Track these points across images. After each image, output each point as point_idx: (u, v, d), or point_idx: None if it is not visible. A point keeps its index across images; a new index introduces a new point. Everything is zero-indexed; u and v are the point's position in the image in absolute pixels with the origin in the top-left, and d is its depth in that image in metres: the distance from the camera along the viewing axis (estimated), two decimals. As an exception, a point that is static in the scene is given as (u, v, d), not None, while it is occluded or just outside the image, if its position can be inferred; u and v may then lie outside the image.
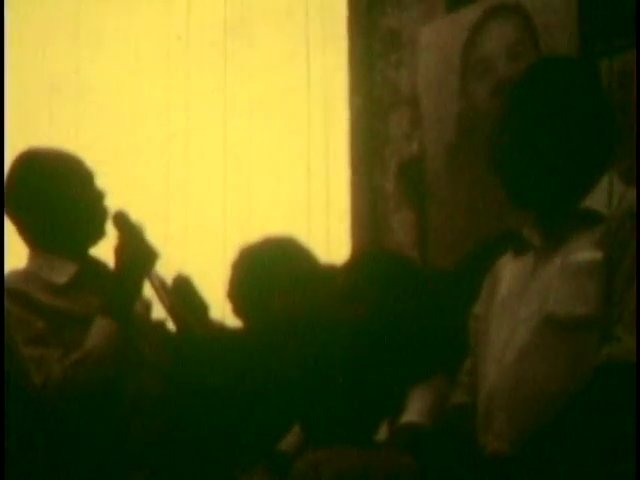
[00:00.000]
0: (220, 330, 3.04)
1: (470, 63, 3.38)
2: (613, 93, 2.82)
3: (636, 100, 2.85)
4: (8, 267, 2.85)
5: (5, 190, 2.81)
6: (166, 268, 2.85)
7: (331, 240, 3.78)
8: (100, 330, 2.64)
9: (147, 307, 2.84)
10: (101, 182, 2.87)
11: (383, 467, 2.39)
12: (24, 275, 2.77)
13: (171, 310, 2.76)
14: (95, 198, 2.81)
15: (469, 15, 3.40)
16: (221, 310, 3.11)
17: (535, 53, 3.12)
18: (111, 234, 2.78)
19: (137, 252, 2.70)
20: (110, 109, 4.53)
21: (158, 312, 2.83)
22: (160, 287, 2.75)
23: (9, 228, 2.86)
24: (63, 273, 2.77)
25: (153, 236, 2.79)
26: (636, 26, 2.83)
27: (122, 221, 2.74)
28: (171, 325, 2.85)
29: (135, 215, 2.78)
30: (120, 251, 2.71)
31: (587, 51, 2.96)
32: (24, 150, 2.86)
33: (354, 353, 2.70)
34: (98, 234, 2.81)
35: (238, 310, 3.07)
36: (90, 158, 2.92)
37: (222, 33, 4.26)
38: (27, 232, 2.81)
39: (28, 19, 4.54)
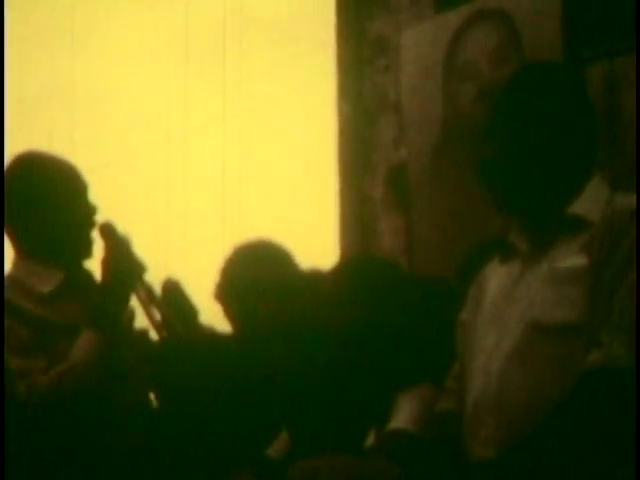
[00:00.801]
0: (208, 335, 3.04)
1: (453, 67, 3.38)
2: (601, 99, 2.82)
3: (636, 101, 2.85)
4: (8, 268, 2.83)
5: None
6: (162, 273, 2.85)
7: (319, 245, 3.78)
8: (86, 342, 2.62)
9: (130, 316, 2.82)
10: (99, 187, 2.85)
11: (379, 477, 2.39)
12: (8, 282, 2.75)
13: (156, 324, 2.74)
14: (86, 210, 2.79)
15: (452, 20, 3.40)
16: (214, 315, 3.10)
17: (519, 58, 3.12)
18: (98, 245, 2.77)
19: (124, 265, 2.68)
20: (107, 114, 4.53)
21: (141, 321, 2.81)
22: (146, 298, 2.73)
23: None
24: (48, 282, 2.74)
25: (149, 241, 2.78)
26: (636, 29, 2.83)
27: (109, 232, 2.72)
28: (154, 334, 2.83)
29: (134, 219, 2.77)
30: (107, 263, 2.69)
31: (573, 57, 2.97)
32: (22, 152, 2.83)
33: (340, 358, 2.70)
34: (86, 247, 2.79)
35: (227, 312, 3.08)
36: (87, 163, 2.91)
37: (219, 41, 4.27)
38: (15, 237, 2.79)
39: (24, 24, 4.54)
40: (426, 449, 2.41)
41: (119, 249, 2.70)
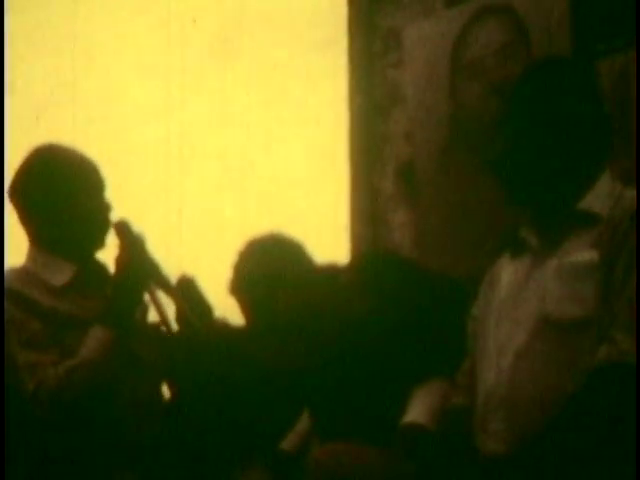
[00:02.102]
0: (224, 329, 3.05)
1: (460, 63, 3.37)
2: (609, 94, 2.82)
3: (636, 100, 2.85)
4: (8, 264, 2.83)
5: (16, 179, 2.78)
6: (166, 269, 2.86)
7: (330, 239, 3.79)
8: (96, 339, 2.62)
9: (143, 311, 2.83)
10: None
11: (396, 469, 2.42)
12: (22, 274, 2.75)
13: (166, 321, 2.75)
14: (102, 208, 2.79)
15: (459, 15, 3.39)
16: (225, 310, 3.11)
17: (526, 54, 3.12)
18: (111, 242, 2.77)
19: (138, 263, 2.69)
20: (108, 111, 4.54)
21: (153, 315, 2.82)
22: (158, 297, 2.74)
23: (10, 226, 2.85)
24: (62, 274, 2.75)
25: (152, 239, 2.79)
26: (636, 28, 2.83)
27: (124, 231, 2.72)
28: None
29: (133, 218, 2.77)
30: (121, 261, 2.70)
31: (582, 52, 2.97)
32: (42, 144, 2.83)
33: (357, 351, 2.71)
34: (99, 243, 2.80)
35: (243, 305, 3.09)
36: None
37: (223, 33, 4.27)
38: (31, 227, 2.79)
39: (22, 27, 4.55)
40: (438, 444, 2.42)
41: (133, 248, 2.70)
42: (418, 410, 2.55)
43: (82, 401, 2.60)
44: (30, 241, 2.81)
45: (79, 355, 2.62)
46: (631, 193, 2.26)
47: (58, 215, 2.75)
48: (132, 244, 2.70)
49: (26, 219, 2.79)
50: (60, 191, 2.74)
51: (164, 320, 2.73)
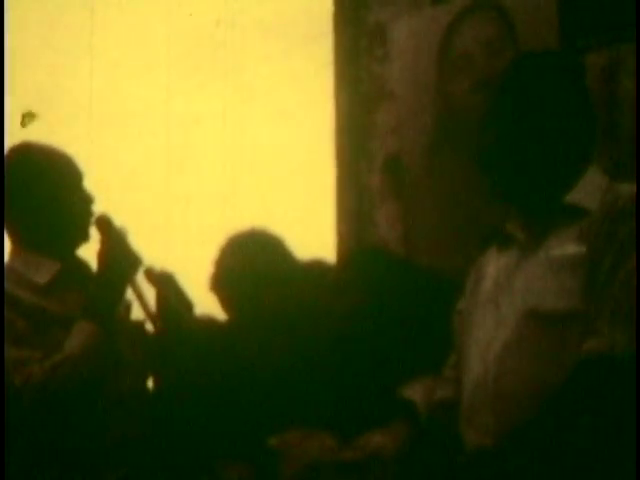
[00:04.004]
0: (209, 322, 3.04)
1: (448, 58, 3.38)
2: (596, 88, 2.83)
3: (636, 97, 2.85)
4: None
5: None
6: (159, 264, 2.86)
7: (316, 234, 3.79)
8: (80, 333, 2.62)
9: (127, 308, 2.83)
10: (92, 182, 2.85)
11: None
12: (6, 272, 2.74)
13: (151, 315, 2.75)
14: (83, 200, 2.79)
15: (446, 10, 3.40)
16: (209, 308, 3.10)
17: (515, 49, 3.13)
18: (94, 237, 2.77)
19: (120, 257, 2.69)
20: (106, 103, 4.54)
21: (138, 313, 2.82)
22: (142, 292, 2.74)
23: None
24: (45, 272, 2.75)
25: (146, 234, 2.78)
26: (636, 23, 2.84)
27: (105, 225, 2.73)
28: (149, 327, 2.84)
29: (131, 211, 2.77)
30: (103, 255, 2.70)
31: (569, 47, 2.97)
32: (17, 144, 2.83)
33: (344, 349, 2.71)
34: (82, 237, 2.80)
35: (225, 302, 3.07)
36: (86, 153, 2.92)
37: (217, 31, 4.27)
38: (11, 228, 2.80)
39: (23, 18, 4.54)
40: (422, 437, 2.42)
41: (115, 241, 2.70)
42: (414, 390, 2.54)
43: (68, 396, 2.59)
44: (13, 242, 2.81)
45: (64, 350, 2.62)
46: (618, 187, 2.26)
47: (36, 213, 2.75)
48: (113, 238, 2.70)
49: (7, 221, 2.79)
50: (35, 189, 2.75)
51: (149, 314, 2.74)
